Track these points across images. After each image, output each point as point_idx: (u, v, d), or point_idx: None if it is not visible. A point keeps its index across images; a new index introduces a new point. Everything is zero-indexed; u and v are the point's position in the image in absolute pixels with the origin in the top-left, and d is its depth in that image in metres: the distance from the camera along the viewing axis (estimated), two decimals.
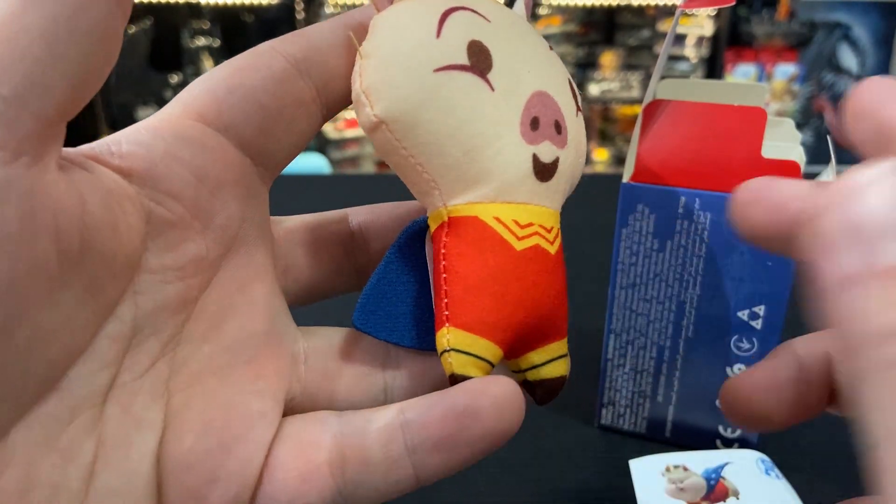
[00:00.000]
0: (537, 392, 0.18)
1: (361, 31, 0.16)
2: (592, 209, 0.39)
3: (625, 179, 0.25)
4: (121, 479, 0.14)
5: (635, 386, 0.28)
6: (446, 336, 0.16)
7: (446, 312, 0.16)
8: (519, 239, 0.16)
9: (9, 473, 0.12)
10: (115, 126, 1.80)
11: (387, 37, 0.15)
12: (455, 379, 0.16)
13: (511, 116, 0.16)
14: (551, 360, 0.17)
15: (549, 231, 0.17)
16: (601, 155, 1.89)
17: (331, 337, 0.18)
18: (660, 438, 0.28)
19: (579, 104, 0.18)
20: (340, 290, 0.19)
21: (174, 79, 1.79)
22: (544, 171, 0.16)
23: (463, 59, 0.15)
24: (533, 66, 0.16)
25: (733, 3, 0.25)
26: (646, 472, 0.24)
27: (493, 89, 0.16)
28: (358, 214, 0.19)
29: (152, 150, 0.14)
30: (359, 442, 0.15)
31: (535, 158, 0.16)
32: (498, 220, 0.16)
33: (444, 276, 0.16)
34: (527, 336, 0.17)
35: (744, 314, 0.25)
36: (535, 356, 0.17)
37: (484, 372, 0.16)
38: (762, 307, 0.25)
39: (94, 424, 0.13)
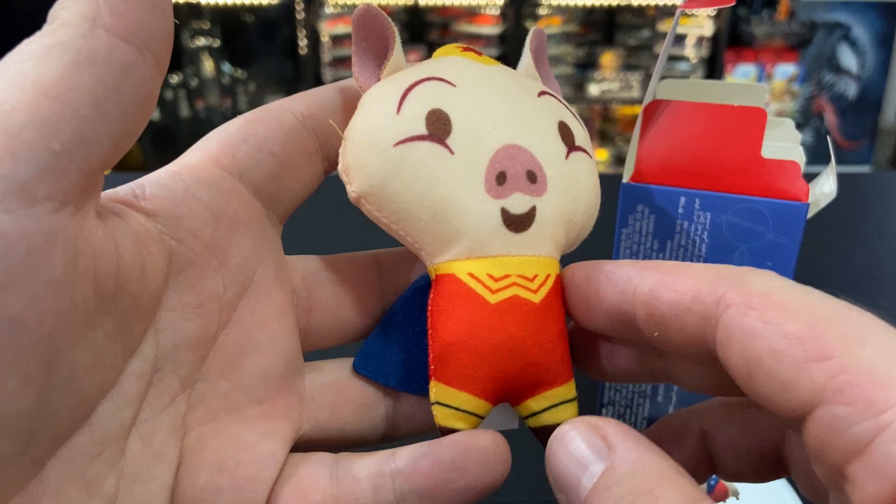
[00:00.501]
0: (540, 438, 0.18)
1: (355, 100, 0.18)
2: None
3: (625, 179, 0.25)
4: None
5: (635, 385, 0.28)
6: (433, 389, 0.17)
7: (432, 367, 0.17)
8: (493, 292, 0.17)
9: None
10: None
11: (358, 118, 0.17)
12: (442, 430, 0.17)
13: (474, 175, 0.16)
14: (552, 407, 0.17)
15: (530, 280, 0.17)
16: (601, 155, 1.89)
17: (335, 371, 0.19)
18: None
19: (577, 143, 0.18)
20: (368, 331, 0.19)
21: (174, 79, 1.79)
22: (516, 222, 0.17)
23: (421, 130, 0.16)
24: (505, 120, 0.17)
25: (733, 4, 0.25)
26: None
27: (452, 153, 0.16)
28: (388, 256, 0.20)
29: (173, 191, 0.15)
30: (351, 486, 0.16)
31: (504, 211, 0.17)
32: (472, 275, 0.17)
33: (430, 331, 0.17)
34: (516, 385, 0.17)
35: None
36: (534, 403, 0.18)
37: (469, 423, 0.17)
38: None
39: (117, 458, 0.14)
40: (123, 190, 0.15)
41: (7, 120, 0.11)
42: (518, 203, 0.17)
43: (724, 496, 0.24)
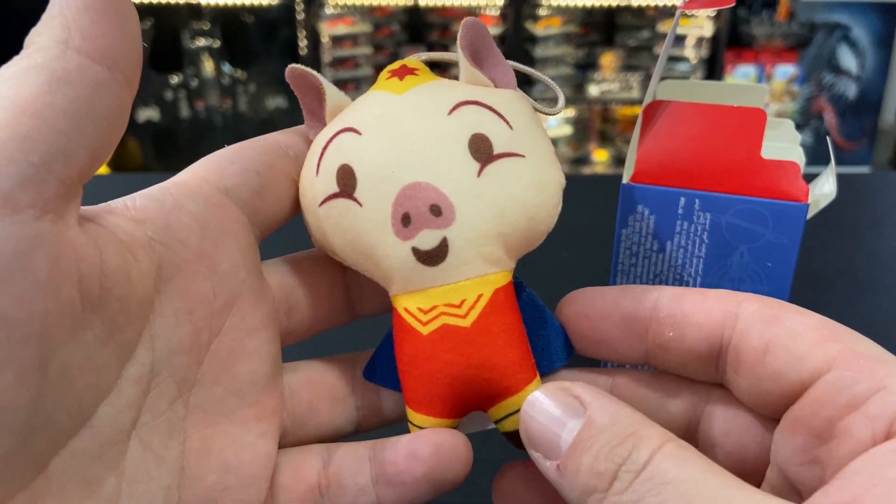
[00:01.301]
0: (511, 442, 0.19)
1: None
2: (592, 210, 0.39)
3: (624, 180, 0.25)
4: None
5: None
6: (407, 411, 0.19)
7: (402, 391, 0.19)
8: (424, 324, 0.18)
9: (47, 502, 0.14)
10: None
11: (300, 178, 0.19)
12: None
13: (382, 222, 0.17)
14: (510, 415, 0.18)
15: (457, 306, 0.18)
16: (601, 156, 1.89)
17: (309, 371, 0.20)
18: None
19: (497, 151, 0.17)
20: (338, 323, 0.21)
21: (174, 79, 1.79)
22: (429, 257, 0.17)
23: (334, 188, 0.18)
24: (404, 160, 0.17)
25: (733, 4, 0.25)
26: None
27: (360, 205, 0.18)
28: None
29: (162, 202, 0.16)
30: (337, 469, 0.19)
31: (415, 250, 0.17)
32: (406, 310, 0.18)
33: (395, 357, 0.19)
34: (471, 400, 0.18)
35: None
36: (494, 412, 0.19)
37: None
38: None
39: (118, 460, 0.15)
40: (115, 203, 0.16)
41: None
42: (426, 239, 0.17)
43: None
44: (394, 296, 0.18)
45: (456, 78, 0.19)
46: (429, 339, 0.18)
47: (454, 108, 0.18)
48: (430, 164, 0.17)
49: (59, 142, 0.13)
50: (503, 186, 0.18)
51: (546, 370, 0.19)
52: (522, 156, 0.18)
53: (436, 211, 0.17)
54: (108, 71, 0.13)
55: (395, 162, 0.17)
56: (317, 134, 0.19)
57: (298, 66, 0.19)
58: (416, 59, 0.20)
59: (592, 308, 0.19)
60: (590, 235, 0.40)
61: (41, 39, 0.13)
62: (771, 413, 0.17)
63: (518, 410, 0.18)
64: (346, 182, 0.18)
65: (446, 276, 0.18)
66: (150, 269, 0.16)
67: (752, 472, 0.17)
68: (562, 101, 0.20)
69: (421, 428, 0.18)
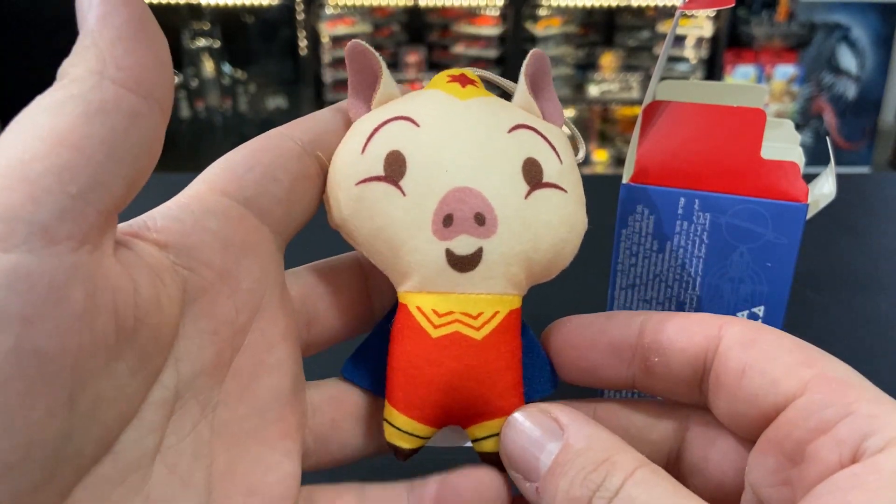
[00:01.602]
0: (485, 462, 0.19)
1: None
2: (592, 210, 0.39)
3: (624, 180, 0.25)
4: None
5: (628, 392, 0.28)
6: (385, 407, 0.19)
7: (386, 387, 0.19)
8: (435, 327, 0.18)
9: None
10: None
11: (336, 153, 0.18)
12: (389, 446, 0.19)
13: (422, 217, 0.17)
14: (492, 436, 0.18)
15: (474, 317, 0.18)
16: (601, 156, 1.89)
17: (332, 388, 0.20)
18: None
19: (545, 180, 0.18)
20: (360, 332, 0.21)
21: (175, 79, 1.79)
22: (461, 263, 0.17)
23: (379, 171, 0.17)
24: (461, 162, 0.17)
25: (733, 5, 0.25)
26: None
27: (404, 194, 0.17)
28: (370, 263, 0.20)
29: (183, 222, 0.16)
30: None
31: (449, 252, 0.17)
32: (419, 309, 0.18)
33: (388, 353, 0.19)
34: (457, 413, 0.18)
35: (743, 315, 0.25)
36: (477, 430, 0.19)
37: (410, 444, 0.18)
38: (761, 308, 0.25)
39: (142, 485, 0.15)
40: (136, 222, 0.16)
41: (27, 169, 0.12)
42: (463, 245, 0.17)
43: None
44: (406, 292, 0.18)
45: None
46: (437, 343, 0.18)
47: (513, 129, 0.18)
48: (485, 173, 0.17)
49: (97, 173, 0.13)
50: (544, 214, 0.18)
51: (530, 399, 0.19)
52: (566, 191, 0.18)
53: (480, 220, 0.17)
54: (143, 100, 0.13)
55: (450, 161, 0.17)
56: (358, 116, 0.19)
57: (362, 42, 0.18)
58: (473, 72, 0.20)
59: (579, 337, 0.19)
60: (590, 235, 0.40)
61: (76, 70, 0.13)
62: (748, 435, 0.17)
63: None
64: (395, 168, 0.17)
65: (471, 285, 0.18)
66: (176, 293, 0.15)
67: (732, 496, 0.17)
68: (582, 152, 0.21)
69: (399, 429, 0.18)
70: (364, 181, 0.18)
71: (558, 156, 0.19)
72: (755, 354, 0.17)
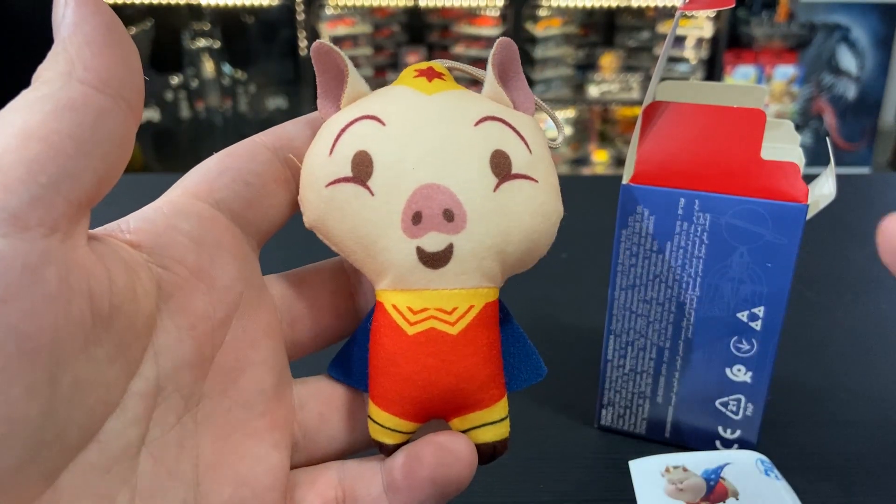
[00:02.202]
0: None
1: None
2: (592, 210, 0.39)
3: (624, 181, 0.25)
4: None
5: (635, 387, 0.28)
6: (368, 405, 0.19)
7: (368, 385, 0.19)
8: (411, 324, 0.18)
9: None
10: None
11: (307, 155, 0.19)
12: (373, 443, 0.19)
13: (391, 215, 0.17)
14: (473, 428, 0.19)
15: (448, 313, 0.18)
16: (601, 156, 1.89)
17: (319, 384, 0.20)
18: (659, 439, 0.29)
19: (514, 171, 0.18)
20: (346, 333, 0.21)
21: (175, 80, 1.79)
22: (432, 260, 0.17)
23: (347, 172, 0.18)
24: (426, 159, 0.17)
25: (733, 5, 0.25)
26: (645, 472, 0.24)
27: (372, 194, 0.17)
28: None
29: (155, 223, 0.17)
30: (350, 482, 0.19)
31: (420, 250, 0.17)
32: (395, 307, 0.18)
33: (369, 351, 0.19)
34: (438, 408, 0.18)
35: (743, 315, 0.25)
36: (458, 423, 0.19)
37: (393, 439, 0.19)
38: (761, 308, 0.25)
39: (129, 475, 0.15)
40: (110, 226, 0.17)
41: None
42: (433, 242, 0.17)
43: (724, 497, 0.24)
44: (382, 290, 0.18)
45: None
46: (413, 340, 0.18)
47: (480, 121, 0.18)
48: (452, 168, 0.17)
49: (66, 164, 0.13)
50: (514, 206, 0.18)
51: (514, 388, 0.20)
52: (536, 181, 0.18)
53: (448, 216, 0.17)
54: (111, 99, 0.14)
55: (417, 159, 0.17)
56: (329, 115, 0.19)
57: (326, 43, 0.18)
58: (441, 64, 0.20)
59: None
60: (590, 235, 0.40)
61: (47, 73, 0.14)
62: None
63: (483, 425, 0.18)
64: (362, 168, 0.18)
65: (443, 282, 0.18)
66: (150, 287, 0.16)
67: None
68: (562, 137, 0.21)
69: (383, 426, 0.18)
70: (333, 182, 0.18)
71: (527, 146, 0.18)
72: None
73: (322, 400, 0.20)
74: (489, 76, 0.19)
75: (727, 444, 0.27)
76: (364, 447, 0.21)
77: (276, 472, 0.18)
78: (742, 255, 0.24)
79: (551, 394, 0.31)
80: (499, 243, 0.18)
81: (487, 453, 0.19)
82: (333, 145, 0.18)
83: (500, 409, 0.19)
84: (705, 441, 0.28)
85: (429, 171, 0.17)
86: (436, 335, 0.18)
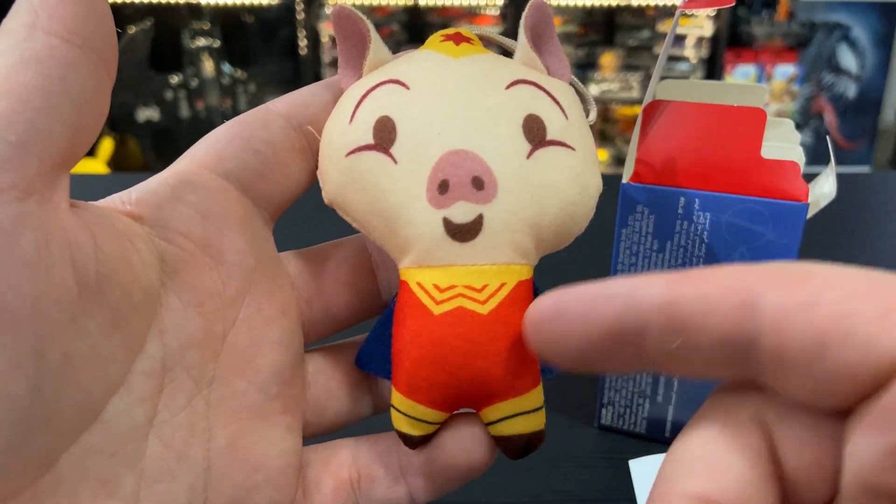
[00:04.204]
0: (500, 447, 0.18)
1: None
2: None
3: (624, 180, 0.25)
4: None
5: (635, 386, 0.28)
6: (391, 393, 0.17)
7: (392, 371, 0.17)
8: (437, 303, 0.16)
9: (57, 501, 0.13)
10: (115, 126, 1.80)
11: (326, 125, 0.17)
12: (398, 433, 0.18)
13: (416, 185, 0.16)
14: (506, 418, 0.17)
15: (478, 290, 0.16)
16: (601, 155, 1.89)
17: (323, 358, 0.20)
18: (660, 438, 0.29)
19: (549, 137, 0.16)
20: (368, 312, 0.20)
21: (174, 79, 1.79)
22: (461, 232, 0.16)
23: (368, 139, 0.16)
24: (454, 123, 0.16)
25: (733, 4, 0.25)
26: (646, 472, 0.24)
27: (395, 162, 0.16)
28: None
29: (159, 195, 0.16)
30: (366, 462, 0.19)
31: (447, 221, 0.16)
32: (420, 285, 0.16)
33: (393, 335, 0.17)
34: (467, 395, 0.17)
35: None
36: (490, 413, 0.17)
37: (419, 430, 0.17)
38: None
39: (135, 459, 0.15)
40: (111, 198, 0.16)
41: None
42: (461, 212, 0.16)
43: None
44: (406, 268, 0.17)
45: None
46: (440, 320, 0.16)
47: (511, 84, 0.17)
48: (481, 134, 0.16)
49: (36, 120, 0.12)
50: (550, 175, 0.16)
51: (549, 376, 0.18)
52: (573, 149, 0.17)
53: (478, 184, 0.16)
54: (79, 49, 0.13)
55: (443, 124, 0.16)
56: (349, 85, 0.18)
57: (348, 7, 0.17)
58: (469, 30, 0.18)
59: (566, 322, 0.14)
60: (590, 235, 0.40)
61: (10, 25, 0.13)
62: (833, 411, 0.13)
63: (516, 415, 0.17)
64: (384, 135, 0.16)
65: (473, 256, 0.16)
66: (151, 259, 0.15)
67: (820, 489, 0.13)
68: (593, 114, 0.19)
69: (407, 415, 0.17)
70: (354, 151, 0.16)
71: (563, 111, 0.17)
72: (826, 319, 0.12)
73: (328, 375, 0.19)
74: (521, 40, 0.18)
75: None
76: (369, 415, 0.20)
77: (289, 455, 0.17)
78: (742, 255, 0.24)
79: (551, 394, 0.31)
80: (532, 215, 0.16)
81: (520, 446, 0.17)
82: (354, 112, 0.17)
83: (535, 397, 0.17)
84: None
85: (456, 136, 0.16)
86: (464, 314, 0.16)
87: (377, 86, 0.17)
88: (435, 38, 0.18)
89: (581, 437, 0.29)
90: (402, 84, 0.17)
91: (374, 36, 0.17)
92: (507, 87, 0.17)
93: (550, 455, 0.28)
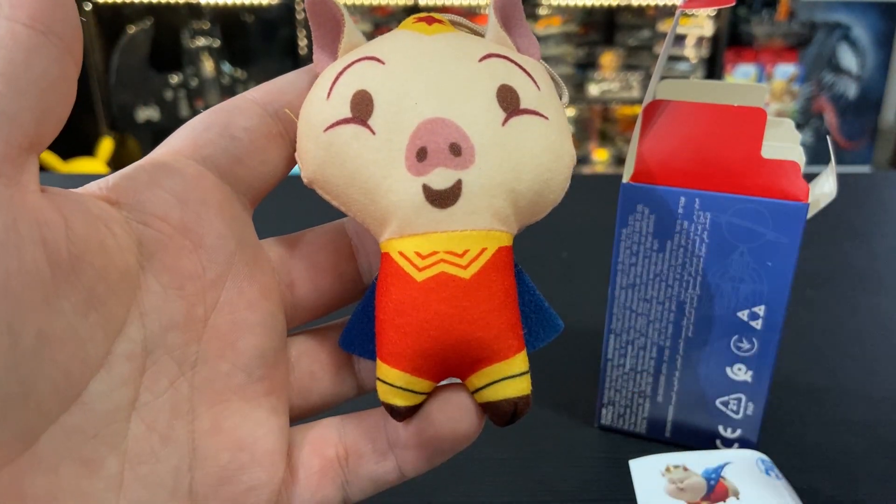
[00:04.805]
0: (488, 414, 0.18)
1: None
2: (592, 209, 0.39)
3: (625, 180, 0.25)
4: (150, 492, 0.15)
5: (635, 386, 0.28)
6: (377, 366, 0.18)
7: (376, 343, 0.18)
8: (419, 270, 0.17)
9: (37, 479, 0.13)
10: (115, 126, 1.80)
11: (304, 104, 0.18)
12: (384, 406, 0.18)
13: (394, 154, 0.16)
14: (492, 383, 0.17)
15: (459, 255, 0.17)
16: (601, 155, 1.89)
17: (306, 341, 0.20)
18: (660, 438, 0.28)
19: (523, 106, 0.17)
20: (350, 298, 0.20)
21: (174, 79, 1.79)
22: (440, 197, 0.16)
23: (346, 113, 0.17)
24: (429, 94, 0.17)
25: (733, 4, 0.25)
26: (646, 472, 0.24)
27: (374, 133, 0.17)
28: (353, 222, 0.20)
29: (135, 179, 0.16)
30: (353, 439, 0.19)
31: (426, 188, 0.16)
32: (401, 254, 0.17)
33: (376, 307, 0.18)
34: (453, 362, 0.17)
35: (743, 314, 0.25)
36: (476, 379, 0.17)
37: (406, 400, 0.17)
38: (762, 307, 0.25)
39: (118, 440, 0.15)
40: (88, 185, 0.16)
41: None
42: (440, 178, 0.16)
43: (724, 496, 0.24)
44: (387, 240, 0.17)
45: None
46: (423, 287, 0.17)
47: (484, 58, 0.17)
48: (457, 101, 0.17)
49: (1, 104, 0.13)
50: (525, 141, 0.17)
51: (534, 347, 0.19)
52: (546, 118, 0.17)
53: (455, 150, 0.16)
54: (42, 35, 0.13)
55: (419, 93, 0.16)
56: (325, 67, 0.18)
57: None
58: (441, 15, 0.19)
59: None
60: (590, 235, 0.40)
61: None
62: None
63: (502, 379, 0.17)
64: (362, 108, 0.17)
65: (453, 222, 0.17)
66: (128, 243, 0.15)
67: None
68: (566, 98, 0.20)
69: (393, 385, 0.17)
70: (332, 126, 0.17)
71: (535, 83, 0.17)
72: None
73: (312, 358, 0.20)
74: (491, 20, 0.18)
75: (727, 443, 0.27)
76: (354, 397, 0.20)
77: (275, 436, 0.18)
78: (742, 254, 0.24)
79: (551, 393, 0.31)
80: (509, 180, 0.17)
81: (508, 411, 0.17)
82: (331, 89, 0.17)
83: (520, 361, 0.17)
84: (706, 440, 0.28)
85: (432, 104, 0.16)
86: (447, 279, 0.16)
87: (353, 63, 0.17)
88: (408, 21, 0.19)
89: (581, 437, 0.29)
90: (378, 60, 0.17)
91: (348, 20, 0.18)
92: (481, 60, 0.17)
93: (550, 455, 0.28)
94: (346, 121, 0.17)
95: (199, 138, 0.17)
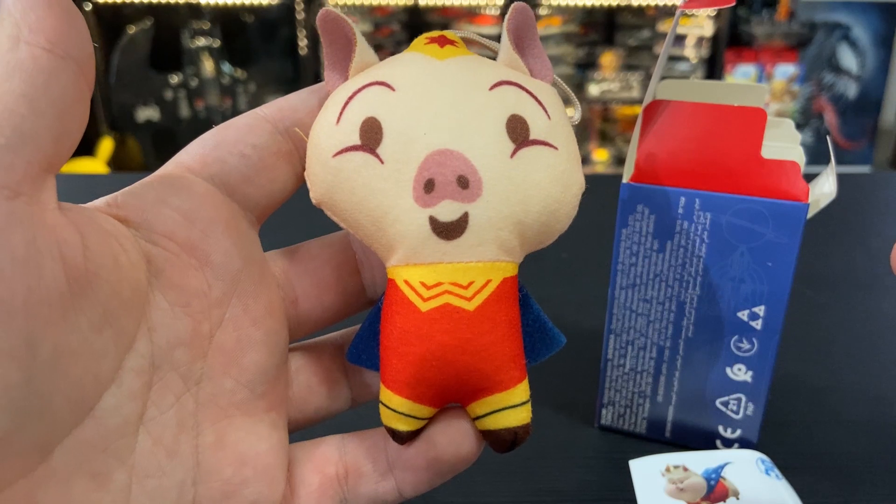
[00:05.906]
0: (488, 441, 0.18)
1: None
2: (592, 209, 0.39)
3: (625, 180, 0.25)
4: None
5: (635, 386, 0.28)
6: (380, 389, 0.18)
7: (380, 368, 0.18)
8: (424, 300, 0.17)
9: (50, 492, 0.14)
10: (115, 126, 1.80)
11: (313, 127, 0.18)
12: (387, 429, 0.18)
13: (402, 184, 0.16)
14: (493, 412, 0.18)
15: (464, 287, 0.17)
16: (601, 155, 1.89)
17: (302, 355, 0.20)
18: (660, 438, 0.28)
19: (532, 137, 0.17)
20: (354, 310, 0.21)
21: (174, 79, 1.79)
22: (446, 230, 0.16)
23: (355, 140, 0.17)
24: (439, 124, 0.16)
25: (733, 4, 0.25)
26: (646, 472, 0.24)
27: (382, 162, 0.17)
28: None
29: (143, 198, 0.16)
30: (353, 458, 0.19)
31: (433, 220, 0.16)
32: (407, 282, 0.17)
33: (381, 332, 0.18)
34: (454, 390, 0.17)
35: (743, 314, 0.25)
36: (477, 407, 0.18)
37: (408, 425, 0.18)
38: (762, 307, 0.25)
39: (126, 454, 0.15)
40: (97, 201, 0.16)
41: None
42: (447, 211, 0.16)
43: (725, 496, 0.24)
44: (393, 266, 0.17)
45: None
46: (427, 317, 0.17)
47: (495, 86, 0.17)
48: (466, 133, 0.16)
49: (22, 125, 0.13)
50: (533, 173, 0.17)
51: (534, 362, 0.19)
52: (556, 148, 0.17)
53: (463, 182, 0.16)
54: (59, 59, 0.14)
55: (428, 124, 0.16)
56: (335, 88, 0.18)
57: (333, 10, 0.18)
58: (454, 33, 0.19)
59: None
60: (590, 235, 0.40)
61: None
62: None
63: (503, 409, 0.17)
64: (371, 136, 0.17)
65: (459, 254, 0.17)
66: (138, 259, 0.16)
67: None
68: (578, 114, 0.20)
69: (396, 411, 0.17)
70: (341, 152, 0.17)
71: (546, 112, 0.17)
72: None
73: (310, 371, 0.20)
74: (504, 42, 0.18)
75: (728, 443, 0.27)
76: (347, 409, 0.21)
77: (277, 451, 0.18)
78: (742, 254, 0.24)
79: (551, 394, 0.31)
80: (517, 213, 0.17)
81: (508, 440, 0.18)
82: (340, 114, 0.17)
83: (521, 391, 0.18)
84: (706, 440, 0.28)
85: (441, 136, 0.16)
86: (451, 311, 0.17)
87: (363, 87, 0.17)
88: (419, 41, 0.18)
89: (581, 437, 0.29)
90: (388, 86, 0.17)
91: (360, 39, 0.18)
92: (491, 88, 0.17)
93: (550, 455, 0.28)
94: (355, 148, 0.17)
95: (209, 156, 0.17)
